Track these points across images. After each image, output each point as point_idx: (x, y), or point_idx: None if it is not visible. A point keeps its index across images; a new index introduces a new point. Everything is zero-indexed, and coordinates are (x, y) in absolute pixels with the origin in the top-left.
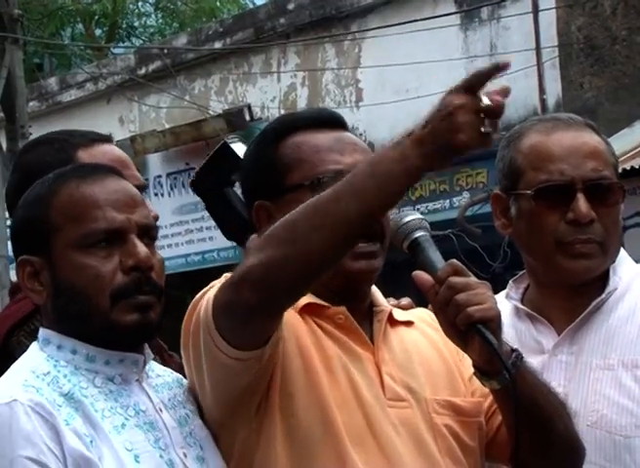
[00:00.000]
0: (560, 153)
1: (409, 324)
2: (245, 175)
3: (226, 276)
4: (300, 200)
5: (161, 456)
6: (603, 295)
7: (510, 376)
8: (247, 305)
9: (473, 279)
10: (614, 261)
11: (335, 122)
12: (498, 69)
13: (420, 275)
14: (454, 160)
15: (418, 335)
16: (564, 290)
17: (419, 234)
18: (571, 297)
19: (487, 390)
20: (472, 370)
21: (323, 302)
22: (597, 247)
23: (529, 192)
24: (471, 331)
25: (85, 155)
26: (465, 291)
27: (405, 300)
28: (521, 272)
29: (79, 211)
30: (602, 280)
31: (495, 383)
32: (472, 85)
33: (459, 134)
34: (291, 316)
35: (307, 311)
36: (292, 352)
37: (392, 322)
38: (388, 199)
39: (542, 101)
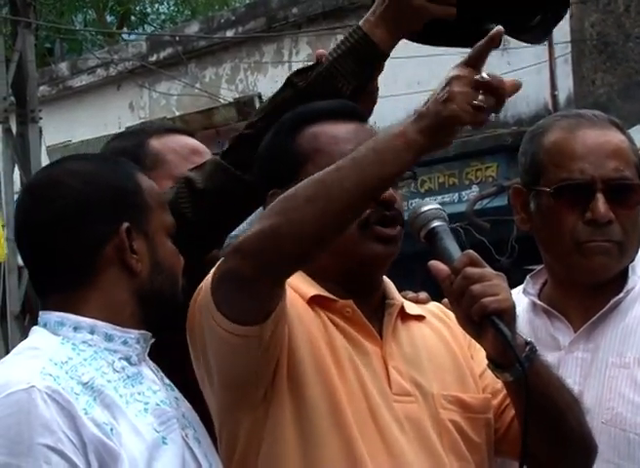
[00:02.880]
0: (582, 151)
1: (420, 318)
2: (261, 164)
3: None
4: None
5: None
6: (621, 294)
7: (523, 368)
8: (240, 274)
9: (489, 270)
10: (633, 260)
11: (353, 114)
12: (492, 40)
13: (436, 264)
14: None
15: (428, 330)
16: (582, 288)
17: (436, 224)
18: (589, 296)
19: (498, 386)
20: (484, 364)
21: (331, 295)
22: (615, 247)
23: (548, 190)
24: (485, 322)
25: (156, 143)
26: (481, 281)
27: (423, 294)
28: (539, 267)
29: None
30: (621, 279)
31: (508, 375)
32: (473, 59)
33: (450, 102)
34: (299, 305)
35: (315, 303)
36: (300, 340)
37: (403, 316)
38: (387, 173)
39: (554, 97)
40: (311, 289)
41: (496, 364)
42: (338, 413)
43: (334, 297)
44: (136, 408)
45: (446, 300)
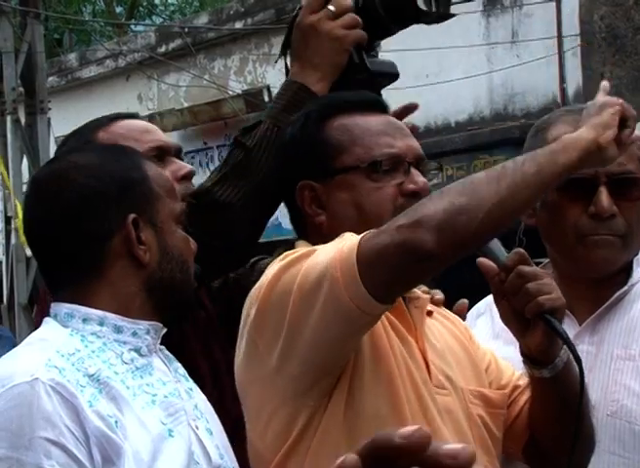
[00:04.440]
0: None
1: (430, 314)
2: (287, 156)
3: (353, 235)
4: (353, 181)
5: (190, 427)
6: (625, 287)
7: (580, 367)
8: (422, 247)
9: (538, 268)
10: (637, 254)
11: (379, 106)
12: None
13: (486, 262)
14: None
15: (440, 326)
16: (586, 281)
17: None
18: (593, 289)
19: (503, 383)
20: (487, 360)
21: None
22: (618, 240)
23: None
24: (538, 319)
25: (104, 134)
26: (535, 280)
27: (439, 294)
28: (545, 260)
29: None
30: (625, 272)
31: (546, 372)
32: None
33: (608, 130)
34: None
35: None
36: None
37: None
38: (559, 171)
39: (562, 90)
40: None
41: (533, 360)
42: (394, 399)
43: None
44: (143, 400)
45: (464, 301)
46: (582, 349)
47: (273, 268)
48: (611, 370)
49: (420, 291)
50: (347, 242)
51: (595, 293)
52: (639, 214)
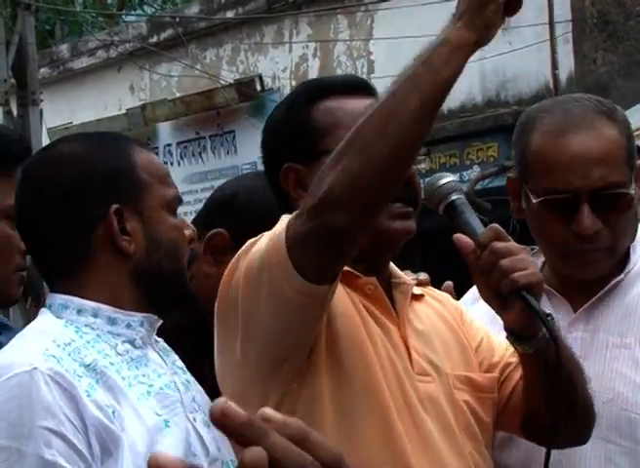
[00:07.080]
0: (565, 162)
1: (420, 298)
2: (272, 138)
3: (287, 216)
4: None
5: (187, 419)
6: (622, 275)
7: (555, 343)
8: (335, 225)
9: (514, 244)
10: (633, 240)
11: (366, 89)
12: None
13: (462, 238)
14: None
15: (430, 310)
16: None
17: (456, 197)
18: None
19: (495, 360)
20: (478, 339)
21: (355, 271)
22: (604, 253)
23: (534, 201)
24: (513, 296)
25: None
26: (509, 256)
27: (423, 275)
28: (537, 248)
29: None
30: (622, 258)
31: (527, 348)
32: None
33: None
34: None
35: (341, 278)
36: (336, 312)
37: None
38: (443, 81)
39: (555, 76)
40: None
41: (516, 336)
42: (374, 390)
43: (357, 273)
44: (138, 390)
45: (449, 283)
46: (577, 336)
47: (235, 257)
48: (606, 359)
49: (405, 275)
50: (279, 227)
51: (590, 282)
52: (625, 223)
